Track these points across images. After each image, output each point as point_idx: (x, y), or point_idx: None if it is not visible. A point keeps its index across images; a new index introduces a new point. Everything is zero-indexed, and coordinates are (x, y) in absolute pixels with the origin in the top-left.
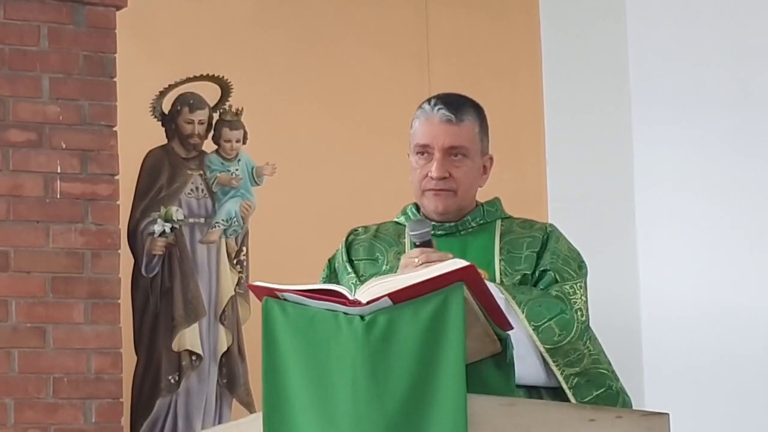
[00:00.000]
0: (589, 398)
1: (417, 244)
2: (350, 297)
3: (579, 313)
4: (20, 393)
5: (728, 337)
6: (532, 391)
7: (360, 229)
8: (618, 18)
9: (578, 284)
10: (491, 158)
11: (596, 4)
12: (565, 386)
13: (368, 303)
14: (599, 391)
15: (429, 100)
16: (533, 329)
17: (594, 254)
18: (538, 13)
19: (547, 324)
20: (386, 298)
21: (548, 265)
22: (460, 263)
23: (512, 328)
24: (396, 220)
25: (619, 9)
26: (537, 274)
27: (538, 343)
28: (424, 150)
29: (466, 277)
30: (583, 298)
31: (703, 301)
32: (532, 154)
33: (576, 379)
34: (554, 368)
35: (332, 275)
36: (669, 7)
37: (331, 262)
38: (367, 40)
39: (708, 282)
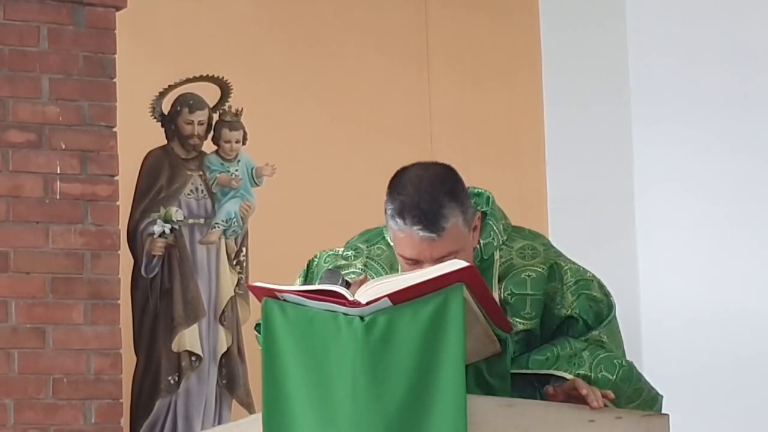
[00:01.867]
0: None
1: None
2: (350, 297)
3: (620, 349)
4: (20, 393)
5: (728, 337)
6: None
7: (347, 252)
8: (618, 18)
9: (612, 324)
10: (479, 217)
11: (596, 4)
12: None
13: (368, 303)
14: (651, 410)
15: (401, 214)
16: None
17: (594, 254)
18: (538, 13)
19: (614, 385)
20: (386, 298)
21: (575, 310)
22: (460, 264)
23: (512, 329)
24: (388, 239)
25: (619, 9)
26: (563, 317)
27: (611, 406)
28: (411, 261)
29: (466, 277)
30: (618, 334)
31: (702, 302)
32: (532, 154)
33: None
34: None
35: (309, 276)
36: (669, 7)
37: (309, 265)
38: (367, 41)
39: (708, 282)
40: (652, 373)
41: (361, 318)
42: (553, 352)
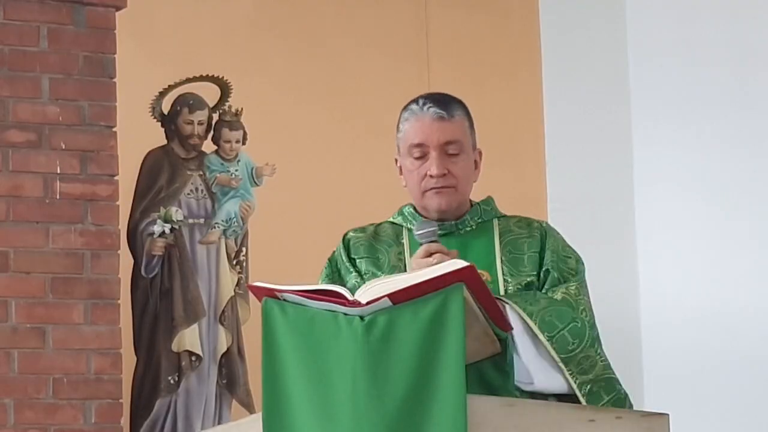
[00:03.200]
0: (601, 404)
1: (422, 244)
2: (350, 297)
3: (584, 314)
4: (20, 393)
5: (728, 336)
6: (535, 393)
7: (356, 230)
8: (618, 18)
9: (580, 282)
10: (480, 152)
11: (596, 4)
12: (579, 394)
13: (368, 303)
14: (609, 397)
15: (416, 101)
16: (547, 340)
17: (594, 255)
18: (538, 13)
19: (560, 334)
20: (386, 298)
21: (549, 264)
22: (460, 263)
23: (512, 328)
24: (392, 220)
25: (619, 9)
26: (542, 275)
27: (553, 353)
28: (419, 149)
29: (466, 277)
30: (586, 298)
31: (702, 302)
32: (532, 154)
33: (589, 386)
34: (568, 377)
35: (334, 274)
36: (669, 7)
37: (331, 260)
38: (367, 41)
39: (707, 282)
40: (652, 373)
41: (361, 318)
42: (518, 294)
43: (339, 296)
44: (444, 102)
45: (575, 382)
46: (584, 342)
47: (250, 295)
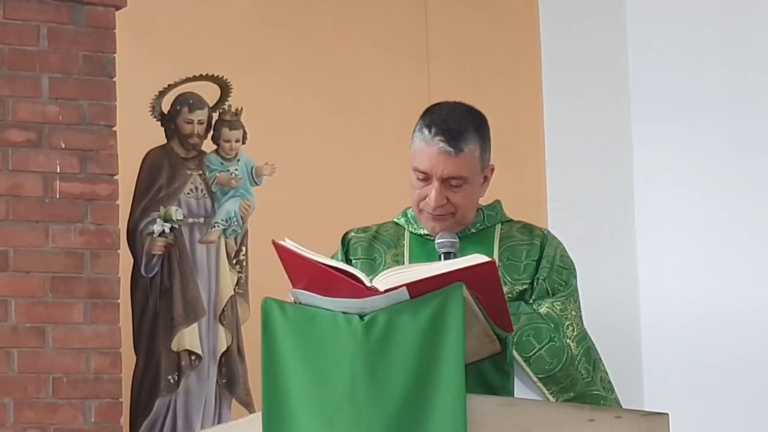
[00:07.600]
0: None
1: (441, 254)
2: (367, 284)
3: (570, 329)
4: (20, 393)
5: (727, 337)
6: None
7: (357, 230)
8: (618, 18)
9: (568, 296)
10: (492, 168)
11: (596, 4)
12: None
13: (386, 291)
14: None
15: (429, 126)
16: (524, 361)
17: (594, 255)
18: (538, 13)
19: (537, 354)
20: (404, 288)
21: (541, 274)
22: (482, 258)
23: (513, 329)
24: (395, 220)
25: (619, 9)
26: (534, 283)
27: (531, 374)
28: (422, 174)
29: (486, 272)
30: (574, 312)
31: (702, 302)
32: (532, 154)
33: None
34: (549, 396)
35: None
36: (669, 7)
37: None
38: (367, 40)
39: (707, 282)
40: (652, 373)
41: (361, 317)
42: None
43: (357, 280)
44: (455, 134)
45: (556, 401)
46: (563, 360)
47: (250, 294)
